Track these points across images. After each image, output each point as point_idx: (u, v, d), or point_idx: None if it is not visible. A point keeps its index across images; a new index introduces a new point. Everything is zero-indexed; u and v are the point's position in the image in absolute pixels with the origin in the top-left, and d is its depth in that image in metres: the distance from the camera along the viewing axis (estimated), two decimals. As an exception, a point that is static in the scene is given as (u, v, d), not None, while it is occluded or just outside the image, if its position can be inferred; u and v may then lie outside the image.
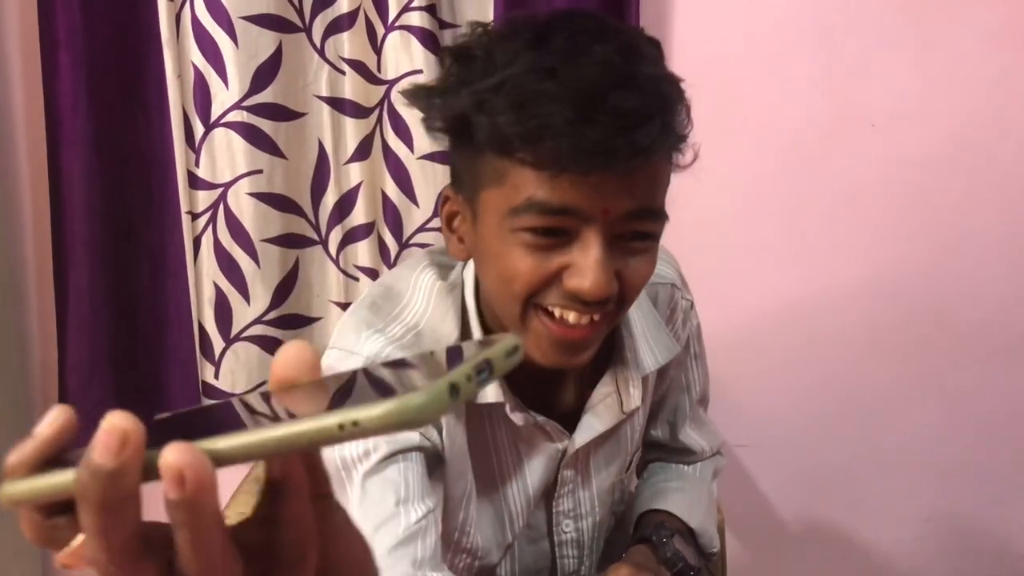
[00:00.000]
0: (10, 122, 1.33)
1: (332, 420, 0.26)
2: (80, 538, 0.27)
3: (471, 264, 0.75)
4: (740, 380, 1.44)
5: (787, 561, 1.56)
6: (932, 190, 1.38)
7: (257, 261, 1.32)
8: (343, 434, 0.26)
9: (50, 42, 1.23)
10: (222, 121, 1.26)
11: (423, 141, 1.27)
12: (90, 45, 1.23)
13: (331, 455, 0.72)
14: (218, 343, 1.34)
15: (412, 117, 1.26)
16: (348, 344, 0.74)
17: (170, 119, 1.27)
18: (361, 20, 1.27)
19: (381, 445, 0.70)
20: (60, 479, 0.26)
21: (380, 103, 1.30)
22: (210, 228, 1.31)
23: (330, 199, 1.34)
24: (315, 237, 1.36)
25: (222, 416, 0.28)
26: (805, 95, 1.35)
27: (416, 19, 1.23)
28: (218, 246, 1.32)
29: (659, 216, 0.65)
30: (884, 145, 1.36)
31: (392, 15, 1.25)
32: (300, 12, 1.28)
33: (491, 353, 0.26)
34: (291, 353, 0.27)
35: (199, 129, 1.27)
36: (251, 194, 1.29)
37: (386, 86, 1.29)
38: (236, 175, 1.28)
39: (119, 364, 1.33)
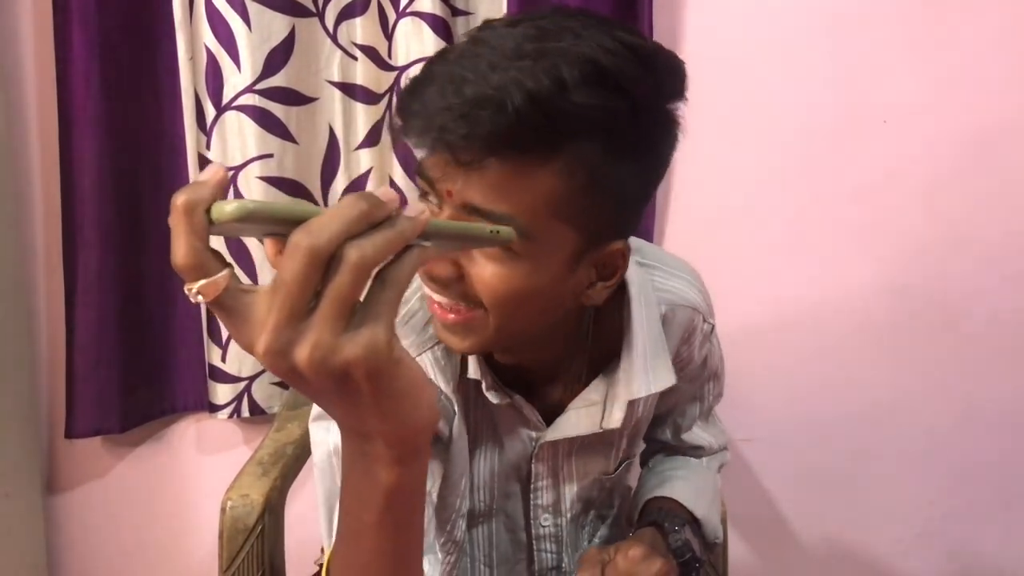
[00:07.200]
0: (22, 102, 1.33)
1: (486, 227, 0.47)
2: (224, 272, 0.35)
3: None
4: (747, 375, 1.44)
5: (788, 557, 1.55)
6: (943, 187, 1.37)
7: (266, 245, 1.32)
8: (490, 237, 0.47)
9: (63, 23, 1.23)
10: (234, 104, 1.26)
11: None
12: (103, 26, 1.23)
13: (325, 445, 0.73)
14: (226, 327, 1.34)
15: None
16: None
17: (182, 102, 1.27)
18: (374, 6, 1.27)
19: None
20: (291, 206, 0.35)
21: (391, 89, 1.30)
22: (219, 211, 1.31)
23: (340, 184, 1.34)
24: (324, 223, 1.36)
25: None
26: (816, 91, 1.35)
27: (428, 5, 1.23)
28: (227, 230, 1.32)
29: (492, 219, 0.57)
30: (895, 142, 1.36)
31: (404, 1, 1.25)
32: (313, -3, 1.28)
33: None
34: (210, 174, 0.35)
35: (211, 112, 1.27)
36: (261, 178, 1.29)
37: (397, 72, 1.29)
38: (247, 159, 1.28)
39: (127, 346, 1.33)
